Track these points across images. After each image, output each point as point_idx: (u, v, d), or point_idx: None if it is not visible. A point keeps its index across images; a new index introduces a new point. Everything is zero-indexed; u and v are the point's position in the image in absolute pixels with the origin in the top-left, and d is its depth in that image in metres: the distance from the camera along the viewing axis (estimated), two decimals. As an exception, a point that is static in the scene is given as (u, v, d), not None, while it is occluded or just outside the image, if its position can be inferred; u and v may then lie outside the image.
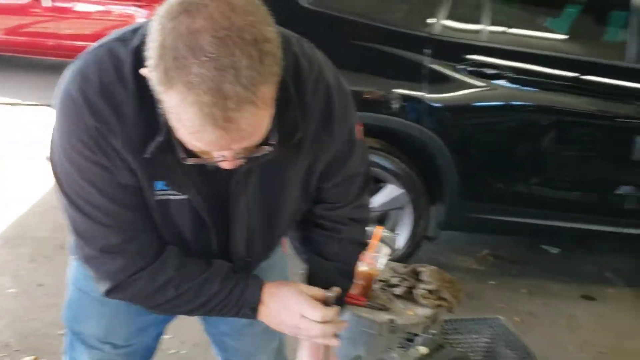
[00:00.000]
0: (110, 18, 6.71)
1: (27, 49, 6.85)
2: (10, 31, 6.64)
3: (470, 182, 2.97)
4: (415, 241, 3.06)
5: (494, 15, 2.94)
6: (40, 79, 6.71)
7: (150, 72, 0.82)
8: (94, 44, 0.99)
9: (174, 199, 1.02)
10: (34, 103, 5.80)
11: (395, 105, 2.82)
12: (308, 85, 1.01)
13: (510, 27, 3.04)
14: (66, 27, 6.62)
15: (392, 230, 2.89)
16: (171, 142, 0.91)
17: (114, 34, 0.99)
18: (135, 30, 0.96)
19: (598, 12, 3.13)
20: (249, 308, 1.10)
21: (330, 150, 1.10)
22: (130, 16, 6.67)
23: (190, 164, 0.93)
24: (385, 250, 2.07)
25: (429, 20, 2.87)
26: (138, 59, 0.89)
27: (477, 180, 3.01)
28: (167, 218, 1.05)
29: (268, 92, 0.83)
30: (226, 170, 0.94)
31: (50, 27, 6.60)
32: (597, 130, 2.97)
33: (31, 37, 6.72)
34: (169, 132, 0.89)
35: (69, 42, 6.65)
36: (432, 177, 2.98)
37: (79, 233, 1.04)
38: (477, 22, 2.92)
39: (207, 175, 1.00)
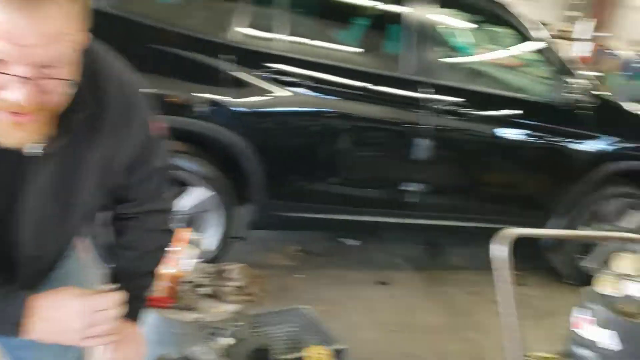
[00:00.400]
0: None
1: None
2: None
3: (275, 182, 3.13)
4: (226, 242, 3.14)
5: (292, 26, 3.14)
6: None
7: None
8: None
9: None
10: None
11: (201, 109, 2.89)
12: (104, 77, 1.04)
13: (306, 38, 3.26)
14: None
15: (201, 232, 2.95)
16: None
17: None
18: None
19: (381, 27, 3.49)
20: (10, 324, 1.00)
21: (130, 143, 1.12)
22: None
23: None
24: (192, 252, 2.13)
25: (232, 28, 2.97)
26: None
27: (281, 181, 3.18)
28: None
29: (73, 8, 0.86)
30: (19, 157, 0.93)
31: None
32: (382, 134, 3.32)
33: None
34: None
35: None
36: (239, 179, 3.08)
37: None
38: (275, 31, 3.09)
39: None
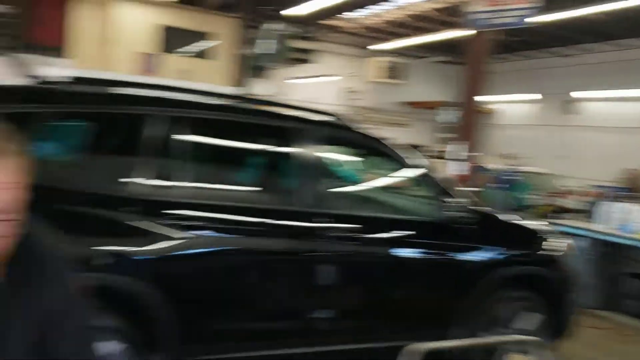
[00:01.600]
0: None
1: None
2: None
3: (185, 326, 3.10)
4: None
5: (190, 173, 3.32)
6: None
7: None
8: None
9: None
10: None
11: (104, 261, 2.90)
12: (36, 245, 1.18)
13: (204, 182, 3.44)
14: None
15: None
16: None
17: None
18: None
19: (275, 166, 3.75)
20: None
21: (51, 302, 1.22)
22: None
23: None
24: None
25: (132, 180, 3.08)
26: None
27: (191, 324, 3.15)
28: None
29: (19, 163, 1.03)
30: None
31: None
32: (285, 265, 3.44)
33: None
34: None
35: None
36: (149, 328, 3.04)
37: None
38: (174, 179, 3.23)
39: None
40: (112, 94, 3.35)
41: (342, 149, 4.19)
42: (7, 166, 1.01)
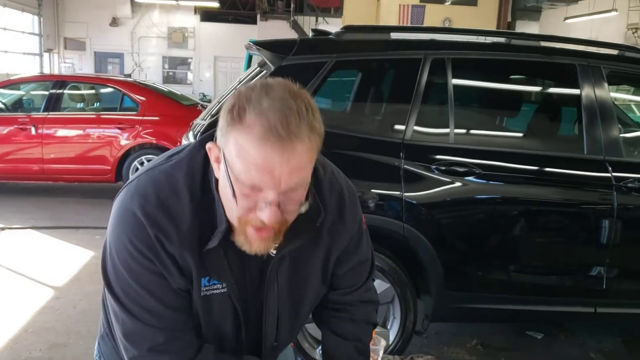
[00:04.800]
0: (90, 141, 7.00)
1: (13, 174, 7.03)
2: (-1, 159, 6.83)
3: (453, 273, 3.09)
4: (405, 335, 3.13)
5: (462, 119, 3.23)
6: (24, 203, 6.83)
7: (221, 118, 1.04)
8: (145, 167, 1.19)
9: (216, 293, 1.17)
10: (19, 226, 5.89)
11: (378, 204, 3.02)
12: (325, 186, 1.23)
13: (478, 129, 3.32)
14: (50, 152, 6.86)
15: (382, 325, 2.99)
16: (227, 231, 1.09)
17: (161, 156, 1.21)
18: (177, 152, 1.18)
19: (555, 110, 3.42)
20: None
21: (344, 239, 1.28)
22: (112, 138, 6.95)
23: (233, 257, 1.12)
24: (383, 344, 2.18)
25: (405, 128, 3.12)
26: (187, 172, 1.12)
27: (458, 272, 3.13)
28: (208, 312, 1.19)
29: (315, 144, 1.04)
30: (262, 258, 1.11)
31: (35, 152, 6.83)
32: (563, 217, 3.16)
33: (17, 163, 6.93)
34: (227, 221, 1.09)
35: (53, 166, 6.86)
36: (416, 271, 3.11)
37: (127, 335, 1.15)
38: (444, 126, 3.19)
39: (245, 265, 1.17)
40: (380, 40, 3.38)
41: (629, 87, 3.65)
42: (305, 149, 1.02)
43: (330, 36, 3.26)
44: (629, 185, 3.07)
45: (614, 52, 3.41)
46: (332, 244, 1.26)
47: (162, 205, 1.09)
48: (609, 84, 3.21)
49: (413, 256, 3.07)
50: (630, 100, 3.70)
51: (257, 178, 1.01)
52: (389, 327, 3.08)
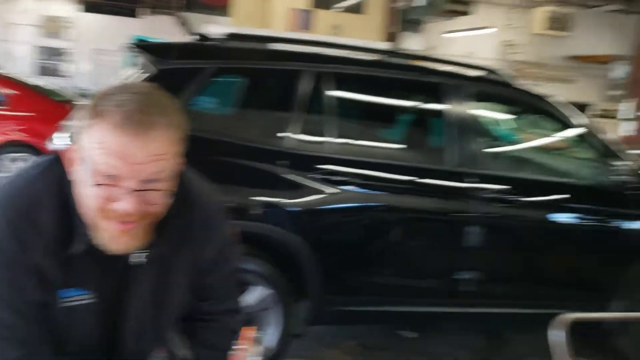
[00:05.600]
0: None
1: None
2: None
3: (331, 277, 3.18)
4: (285, 339, 3.19)
5: (339, 129, 3.34)
6: None
7: (80, 115, 1.04)
8: (7, 178, 1.15)
9: (81, 304, 1.15)
10: None
11: (258, 211, 3.05)
12: (194, 198, 1.24)
13: (352, 139, 3.45)
14: None
15: (262, 330, 3.03)
16: (90, 236, 1.08)
17: (24, 166, 1.18)
18: (39, 161, 1.16)
19: (424, 123, 3.65)
20: None
21: (211, 248, 1.30)
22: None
23: (95, 264, 1.10)
24: (255, 350, 2.21)
25: (286, 136, 3.17)
26: (50, 180, 1.10)
27: (336, 276, 3.24)
28: (71, 323, 1.16)
29: (173, 134, 1.06)
30: (127, 264, 1.11)
31: None
32: (432, 224, 3.40)
33: None
34: (88, 224, 1.08)
35: None
36: (296, 276, 3.17)
37: None
38: (324, 135, 3.28)
39: (109, 272, 1.15)
40: (264, 50, 3.44)
41: (499, 106, 3.96)
42: (162, 137, 1.04)
43: (214, 42, 3.25)
44: (485, 195, 3.34)
45: (478, 73, 3.69)
46: (198, 252, 1.27)
47: (24, 214, 1.07)
48: (476, 102, 3.49)
49: (293, 262, 3.14)
50: (495, 118, 4.01)
51: (115, 166, 1.02)
52: (268, 331, 3.12)
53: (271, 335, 3.12)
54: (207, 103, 3.35)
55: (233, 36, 3.34)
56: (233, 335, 1.45)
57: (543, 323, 2.25)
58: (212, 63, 3.08)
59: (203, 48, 3.25)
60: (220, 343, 1.40)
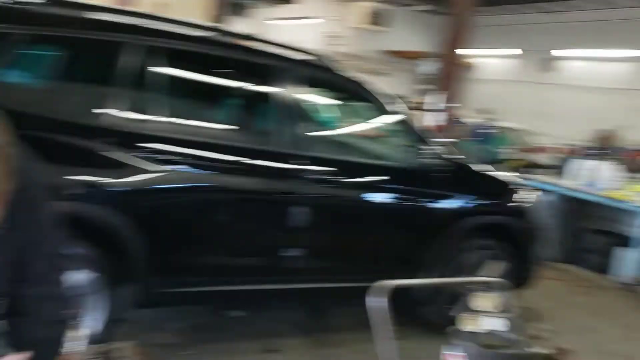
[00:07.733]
0: None
1: None
2: None
3: (156, 259, 3.11)
4: (112, 322, 3.06)
5: (167, 107, 3.26)
6: None
7: None
8: None
9: None
10: None
11: (79, 191, 2.87)
12: (26, 178, 1.20)
13: (181, 118, 3.38)
14: None
15: (87, 314, 2.89)
16: None
17: None
18: None
19: (254, 105, 3.70)
20: None
21: (35, 227, 1.26)
22: None
23: None
24: (80, 334, 2.11)
25: (108, 112, 3.01)
26: None
27: (161, 257, 3.16)
28: None
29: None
30: None
31: None
32: (258, 204, 3.46)
33: None
34: None
35: None
36: (121, 259, 3.05)
37: None
38: (151, 113, 3.18)
39: None
40: (87, 19, 3.23)
41: (322, 91, 4.15)
42: None
43: (29, 7, 2.97)
44: (309, 176, 3.50)
45: (306, 57, 3.82)
46: (22, 230, 1.23)
47: None
48: (303, 86, 3.62)
49: (117, 244, 3.01)
50: (321, 103, 4.21)
51: None
52: (94, 315, 2.97)
53: (96, 320, 2.98)
54: (17, 74, 3.05)
55: (55, 2, 3.08)
56: (60, 327, 1.36)
57: (361, 296, 2.42)
58: (24, 28, 2.82)
59: (13, 12, 2.94)
60: (45, 337, 1.32)
